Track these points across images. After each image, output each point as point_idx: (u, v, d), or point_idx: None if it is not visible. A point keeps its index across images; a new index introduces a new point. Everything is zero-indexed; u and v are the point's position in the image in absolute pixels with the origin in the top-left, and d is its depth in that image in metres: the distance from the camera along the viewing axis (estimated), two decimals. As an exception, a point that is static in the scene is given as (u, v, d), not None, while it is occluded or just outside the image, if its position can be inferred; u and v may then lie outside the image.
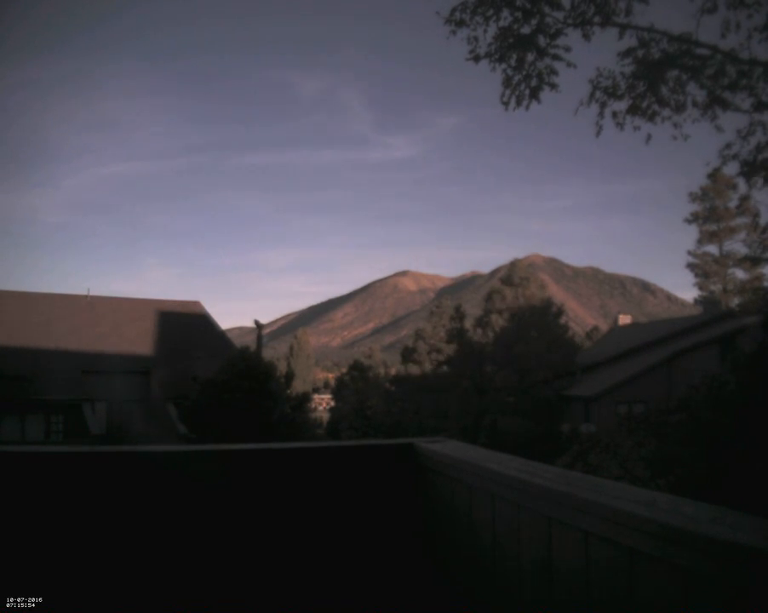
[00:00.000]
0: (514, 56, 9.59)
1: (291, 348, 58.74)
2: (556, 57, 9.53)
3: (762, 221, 30.13)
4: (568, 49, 9.51)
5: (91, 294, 32.54)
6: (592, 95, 9.83)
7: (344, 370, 48.76)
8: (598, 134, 9.96)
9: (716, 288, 35.60)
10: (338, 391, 39.25)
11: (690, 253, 37.08)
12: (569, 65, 9.49)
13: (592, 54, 10.30)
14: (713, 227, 36.31)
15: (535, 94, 9.69)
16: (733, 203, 34.62)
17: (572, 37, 9.58)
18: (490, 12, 9.35)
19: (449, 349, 30.32)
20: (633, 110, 9.82)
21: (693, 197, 36.38)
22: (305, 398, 23.69)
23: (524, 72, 9.63)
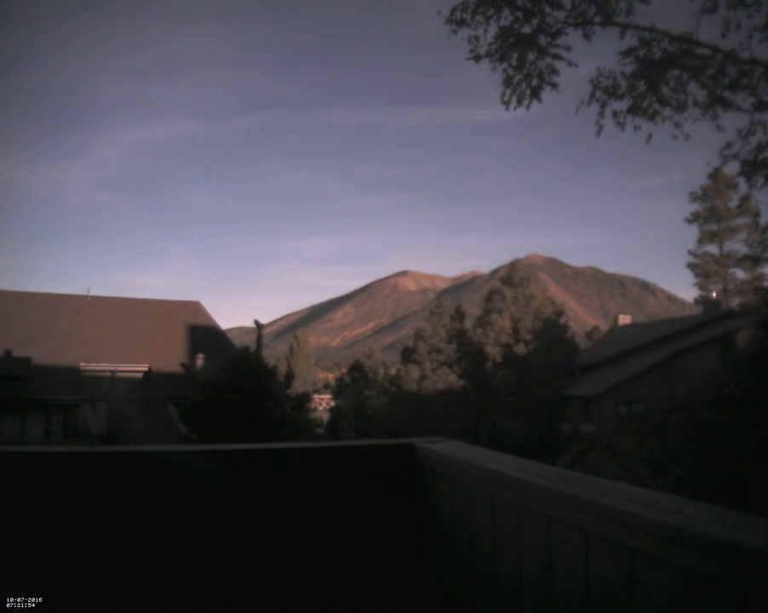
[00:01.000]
0: (515, 56, 9.58)
1: (291, 348, 58.75)
2: (557, 57, 9.53)
3: (762, 221, 30.11)
4: (569, 49, 9.50)
5: (92, 293, 32.58)
6: (592, 95, 9.82)
7: (344, 370, 48.79)
8: (598, 133, 9.96)
9: (716, 288, 35.58)
10: (338, 391, 39.29)
11: (690, 253, 37.10)
12: (569, 64, 9.48)
13: (592, 54, 10.31)
14: (713, 227, 36.31)
15: (535, 94, 9.68)
16: (733, 203, 34.64)
17: (573, 36, 9.58)
18: (491, 11, 9.35)
19: (450, 349, 30.31)
20: (633, 109, 9.81)
21: (693, 197, 36.40)
22: (305, 398, 23.70)
23: (525, 72, 9.62)
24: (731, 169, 11.46)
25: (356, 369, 38.64)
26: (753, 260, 34.00)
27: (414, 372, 30.70)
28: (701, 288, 36.50)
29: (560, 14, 9.46)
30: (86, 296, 32.06)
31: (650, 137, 9.99)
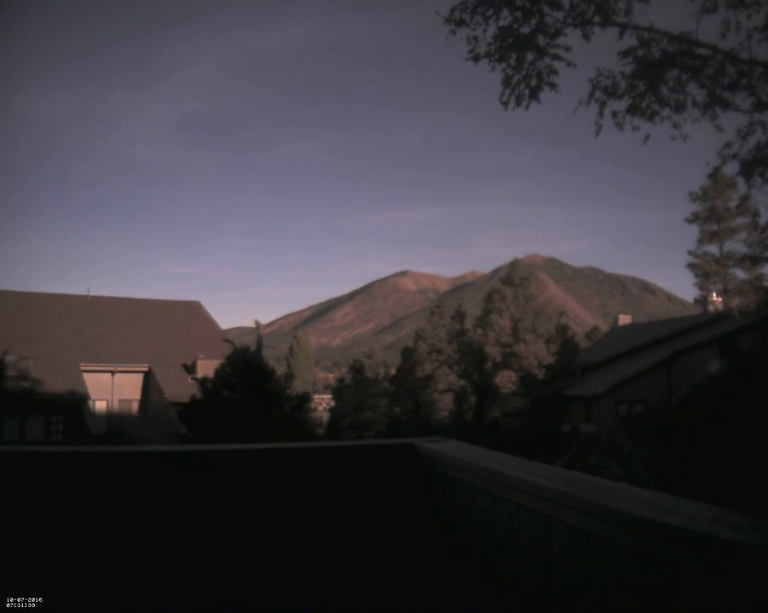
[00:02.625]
0: (514, 56, 9.57)
1: (291, 348, 58.75)
2: (556, 57, 9.51)
3: (762, 221, 30.09)
4: (568, 49, 9.49)
5: (93, 293, 32.59)
6: (591, 95, 9.81)
7: (344, 370, 48.71)
8: (597, 133, 9.95)
9: (716, 288, 35.55)
10: (338, 391, 39.24)
11: (690, 253, 37.08)
12: (569, 64, 9.48)
13: (592, 54, 10.30)
14: (713, 227, 36.29)
15: (534, 94, 9.67)
16: (733, 203, 34.63)
17: (572, 36, 9.57)
18: (490, 11, 9.34)
19: (450, 349, 30.31)
20: (632, 109, 9.80)
21: (693, 197, 36.36)
22: (305, 398, 23.69)
23: (524, 72, 9.61)
24: (731, 169, 11.46)
25: (356, 369, 38.59)
26: (753, 260, 33.98)
27: (414, 372, 30.69)
28: (701, 288, 36.46)
29: (559, 14, 9.46)
30: (86, 296, 32.08)
31: (647, 137, 9.99)
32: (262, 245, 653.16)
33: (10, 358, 24.28)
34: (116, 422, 27.44)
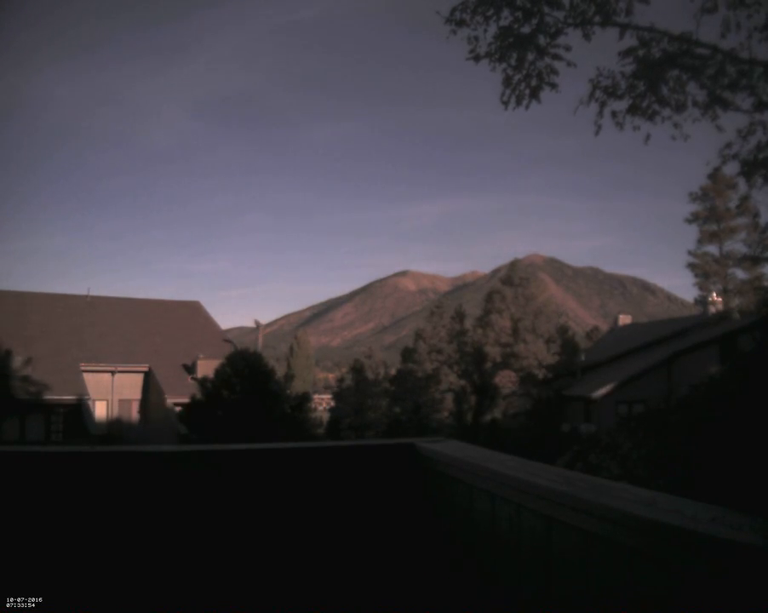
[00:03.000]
0: (514, 56, 9.57)
1: (291, 349, 58.82)
2: (556, 57, 9.52)
3: (762, 221, 30.07)
4: (568, 49, 9.50)
5: (93, 293, 32.59)
6: (591, 95, 9.81)
7: (344, 370, 48.70)
8: (597, 133, 9.95)
9: (716, 288, 35.54)
10: (338, 391, 39.25)
11: (690, 253, 37.08)
12: (569, 64, 9.48)
13: (592, 54, 10.30)
14: (713, 227, 36.30)
15: (535, 94, 9.67)
16: (733, 203, 34.62)
17: (572, 36, 9.57)
18: (491, 11, 9.34)
19: (450, 349, 30.32)
20: (632, 109, 9.80)
21: (693, 198, 36.36)
22: (305, 398, 23.70)
23: (525, 72, 9.61)
24: (731, 169, 11.46)
25: (356, 369, 38.60)
26: (753, 260, 33.98)
27: (414, 372, 30.70)
28: (701, 288, 36.45)
29: (560, 14, 9.46)
30: (86, 296, 32.09)
31: (648, 137, 9.99)
32: (262, 244, 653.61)
33: (10, 358, 24.29)
34: (116, 422, 27.47)
